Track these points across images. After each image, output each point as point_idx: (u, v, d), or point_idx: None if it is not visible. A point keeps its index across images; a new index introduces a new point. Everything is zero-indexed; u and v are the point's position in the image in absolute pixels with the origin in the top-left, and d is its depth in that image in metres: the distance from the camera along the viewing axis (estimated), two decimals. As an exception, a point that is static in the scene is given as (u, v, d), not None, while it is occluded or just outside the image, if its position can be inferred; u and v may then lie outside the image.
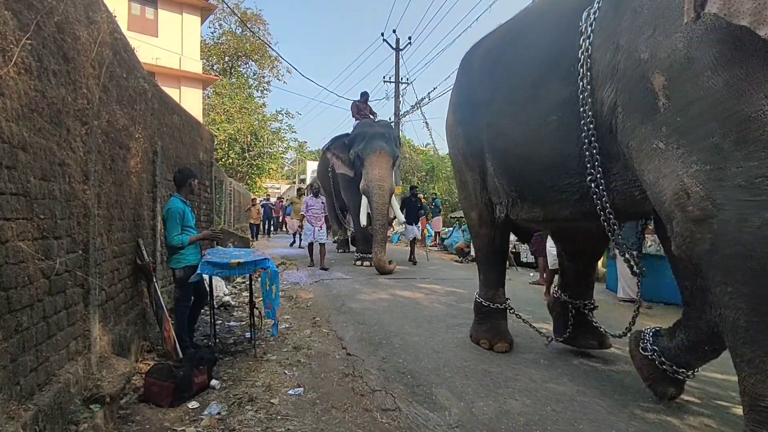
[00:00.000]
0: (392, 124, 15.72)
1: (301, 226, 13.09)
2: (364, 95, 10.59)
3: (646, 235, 6.78)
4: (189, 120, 5.63)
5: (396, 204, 9.24)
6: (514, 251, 10.37)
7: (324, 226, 8.44)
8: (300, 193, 13.87)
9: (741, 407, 2.87)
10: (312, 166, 33.70)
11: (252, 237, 13.75)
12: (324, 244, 8.44)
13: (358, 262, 8.98)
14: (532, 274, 8.70)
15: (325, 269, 8.19)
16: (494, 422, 2.61)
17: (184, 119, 5.32)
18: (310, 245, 8.61)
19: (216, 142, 17.02)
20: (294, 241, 13.52)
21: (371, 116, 10.51)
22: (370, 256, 8.39)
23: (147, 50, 12.52)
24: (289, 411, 2.78)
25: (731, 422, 2.68)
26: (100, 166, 2.74)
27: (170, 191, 4.12)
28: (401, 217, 9.49)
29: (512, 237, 10.88)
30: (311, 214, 8.30)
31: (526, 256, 10.04)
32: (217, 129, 17.30)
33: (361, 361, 3.61)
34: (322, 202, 8.52)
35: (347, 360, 3.68)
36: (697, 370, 2.78)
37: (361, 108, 10.49)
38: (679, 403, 2.93)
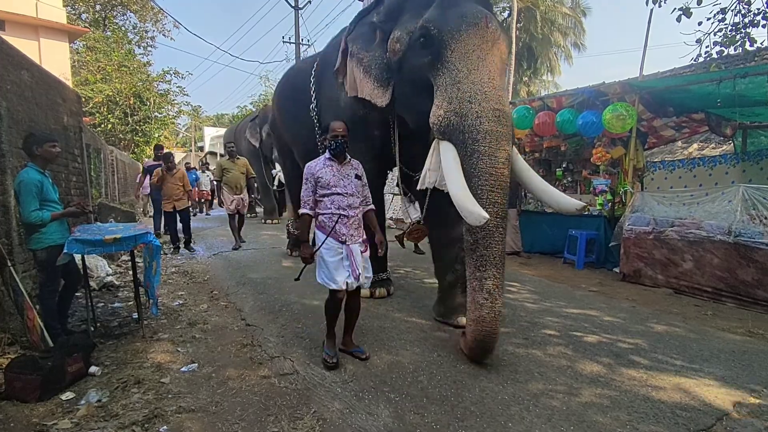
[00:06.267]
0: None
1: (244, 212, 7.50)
2: None
3: (526, 194, 7.57)
4: (45, 77, 4.82)
5: (522, 161, 3.10)
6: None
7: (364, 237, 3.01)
8: (231, 151, 7.69)
9: (592, 336, 3.44)
10: (211, 132, 29.82)
11: (175, 238, 7.20)
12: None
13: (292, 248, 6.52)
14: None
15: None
16: (386, 372, 2.79)
17: (37, 76, 4.53)
18: (336, 300, 2.90)
19: (92, 105, 14.88)
20: (238, 245, 7.35)
21: None
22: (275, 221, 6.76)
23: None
24: (182, 388, 2.68)
25: (582, 348, 3.19)
26: None
27: (24, 162, 3.55)
28: (553, 193, 3.10)
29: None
30: (337, 204, 2.85)
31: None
32: (92, 90, 15.01)
33: (260, 331, 3.57)
34: (358, 176, 2.97)
35: (246, 331, 3.62)
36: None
37: None
38: (543, 336, 3.40)
